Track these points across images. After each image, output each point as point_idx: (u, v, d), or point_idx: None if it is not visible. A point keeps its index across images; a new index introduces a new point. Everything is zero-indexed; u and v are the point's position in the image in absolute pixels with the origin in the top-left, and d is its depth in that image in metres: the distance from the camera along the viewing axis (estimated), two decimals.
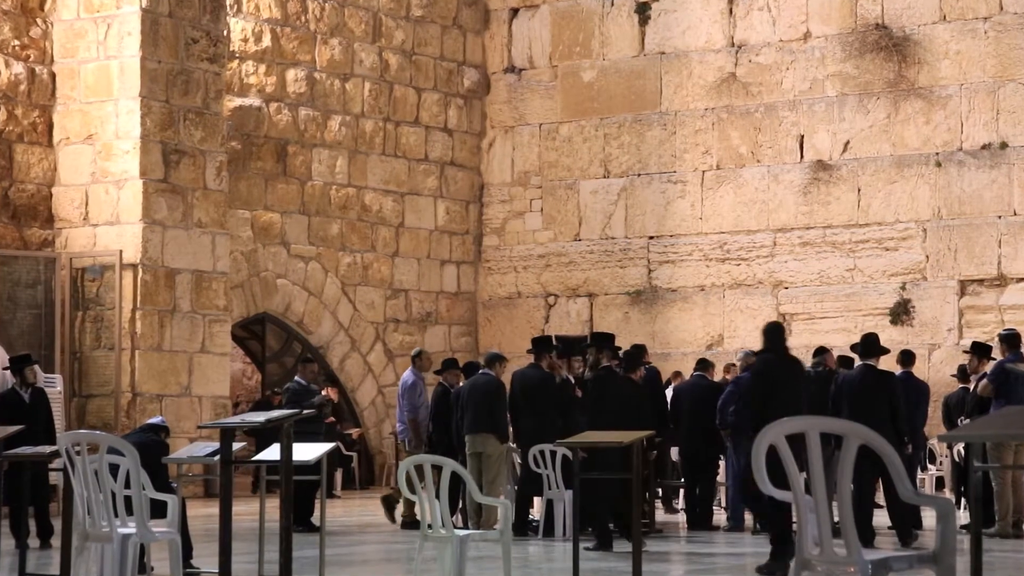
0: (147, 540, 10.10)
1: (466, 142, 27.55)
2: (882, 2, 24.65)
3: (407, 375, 17.72)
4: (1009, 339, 15.91)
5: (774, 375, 12.33)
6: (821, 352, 16.63)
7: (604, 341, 15.31)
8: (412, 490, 10.39)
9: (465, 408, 15.90)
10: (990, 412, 15.28)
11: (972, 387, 16.53)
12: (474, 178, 27.68)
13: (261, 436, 18.86)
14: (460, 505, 16.17)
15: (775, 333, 12.71)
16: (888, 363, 17.76)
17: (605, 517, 14.47)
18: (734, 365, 20.25)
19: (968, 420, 16.47)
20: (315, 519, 16.04)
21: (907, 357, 17.14)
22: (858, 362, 15.06)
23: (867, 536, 13.77)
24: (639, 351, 16.26)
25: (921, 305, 24.10)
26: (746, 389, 13.91)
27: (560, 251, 26.94)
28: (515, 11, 27.61)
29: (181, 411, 21.46)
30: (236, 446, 10.65)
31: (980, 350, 16.73)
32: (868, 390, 14.24)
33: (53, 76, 21.62)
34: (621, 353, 15.42)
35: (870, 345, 14.64)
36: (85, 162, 21.38)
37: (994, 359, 16.72)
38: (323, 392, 18.78)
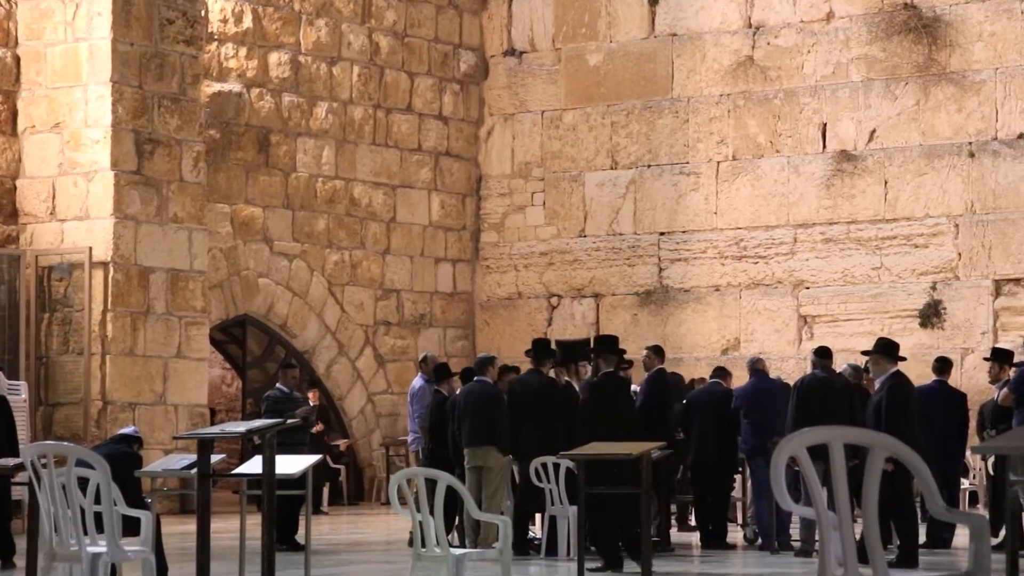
0: (119, 559, 10.11)
1: (463, 131, 27.56)
2: None
3: (416, 381, 18.30)
4: None
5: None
6: (824, 355, 16.13)
7: (605, 345, 15.27)
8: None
9: (462, 418, 15.82)
10: (1012, 423, 15.26)
11: (996, 396, 16.53)
12: (471, 170, 27.69)
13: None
14: (456, 522, 16.16)
15: None
16: (921, 370, 17.76)
17: (614, 535, 14.45)
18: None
19: (993, 432, 16.45)
20: (300, 537, 16.05)
21: (943, 365, 16.81)
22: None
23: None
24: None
25: (953, 307, 24.10)
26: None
27: (564, 248, 26.95)
28: None
29: (155, 420, 21.47)
30: (215, 458, 10.66)
31: (1001, 356, 16.67)
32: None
33: (17, 60, 21.62)
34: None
35: (889, 348, 14.65)
36: (52, 152, 21.39)
37: (1017, 365, 16.64)
38: (309, 398, 18.83)
